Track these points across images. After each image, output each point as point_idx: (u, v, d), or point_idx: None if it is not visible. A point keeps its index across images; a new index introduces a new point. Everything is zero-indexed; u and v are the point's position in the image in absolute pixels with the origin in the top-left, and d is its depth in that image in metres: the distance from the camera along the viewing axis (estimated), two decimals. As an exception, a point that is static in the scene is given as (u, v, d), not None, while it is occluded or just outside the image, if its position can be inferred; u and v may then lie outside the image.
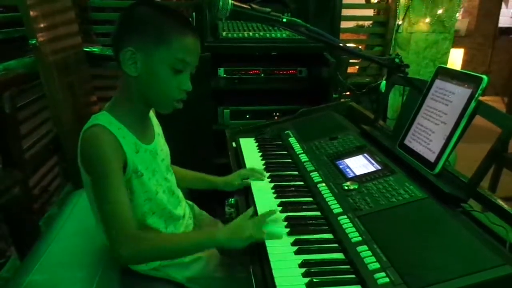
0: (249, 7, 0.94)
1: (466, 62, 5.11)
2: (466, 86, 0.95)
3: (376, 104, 2.39)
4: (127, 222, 0.85)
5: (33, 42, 1.51)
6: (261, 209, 0.98)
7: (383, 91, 1.37)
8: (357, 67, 2.71)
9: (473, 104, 0.92)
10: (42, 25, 1.57)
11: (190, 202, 1.23)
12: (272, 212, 0.92)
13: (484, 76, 0.91)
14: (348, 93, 2.40)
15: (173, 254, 0.95)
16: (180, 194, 1.12)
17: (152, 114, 1.04)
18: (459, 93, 0.97)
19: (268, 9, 0.95)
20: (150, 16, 0.87)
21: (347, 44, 1.29)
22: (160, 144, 1.03)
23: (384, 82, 2.26)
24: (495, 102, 3.57)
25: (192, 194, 1.32)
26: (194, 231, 1.09)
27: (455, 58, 4.68)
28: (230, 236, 0.88)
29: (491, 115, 0.88)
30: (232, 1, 0.92)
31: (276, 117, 1.90)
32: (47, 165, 1.94)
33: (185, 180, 1.20)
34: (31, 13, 1.50)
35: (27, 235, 1.55)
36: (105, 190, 0.85)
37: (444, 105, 1.00)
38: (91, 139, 0.86)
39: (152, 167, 0.97)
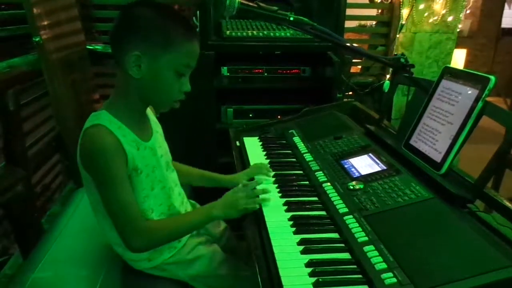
0: (256, 5, 0.94)
1: (468, 63, 5.10)
2: (473, 86, 0.95)
3: (379, 103, 2.39)
4: (135, 217, 0.89)
5: (37, 39, 1.51)
6: (266, 208, 0.97)
7: (386, 90, 1.36)
8: (360, 66, 2.71)
9: (480, 104, 0.91)
10: (45, 23, 1.57)
11: (192, 201, 1.23)
12: (255, 183, 1.04)
13: (491, 77, 0.91)
14: (350, 92, 2.40)
15: (178, 237, 1.02)
16: (183, 192, 1.12)
17: (150, 112, 1.04)
18: (466, 94, 0.96)
19: (275, 8, 0.95)
20: (155, 20, 0.86)
21: (348, 44, 1.28)
22: (159, 141, 1.03)
23: (387, 82, 2.26)
24: (498, 103, 3.55)
25: (194, 194, 1.31)
26: (192, 212, 1.12)
27: (458, 59, 4.66)
28: (225, 210, 0.97)
29: (498, 116, 0.88)
30: (239, -1, 0.92)
31: (279, 116, 1.90)
32: (49, 163, 1.94)
33: (189, 177, 1.20)
34: (35, 10, 1.50)
35: (29, 233, 1.55)
36: (111, 189, 0.86)
37: (450, 105, 1.00)
38: (93, 140, 0.86)
39: (152, 163, 0.97)
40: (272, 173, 1.15)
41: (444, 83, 1.05)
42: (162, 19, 0.87)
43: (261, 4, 0.95)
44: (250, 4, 0.94)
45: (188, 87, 0.93)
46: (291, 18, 0.97)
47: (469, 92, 0.95)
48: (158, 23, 0.86)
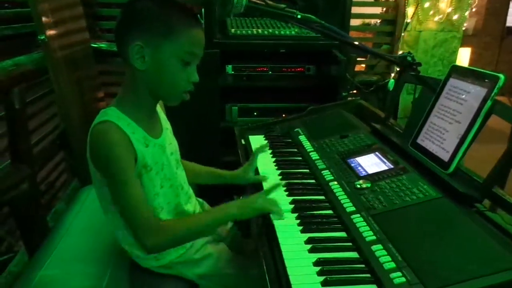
0: (263, 3, 0.93)
1: (473, 62, 5.07)
2: (481, 85, 0.94)
3: (383, 102, 2.38)
4: (147, 215, 0.87)
5: (42, 37, 1.51)
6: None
7: (390, 89, 1.36)
8: (364, 65, 2.70)
9: (489, 103, 0.91)
10: (50, 21, 1.56)
11: (200, 200, 1.22)
12: (277, 185, 1.00)
13: (500, 75, 0.90)
14: (355, 91, 2.39)
15: (194, 237, 0.99)
16: (190, 190, 1.11)
17: (160, 109, 1.03)
18: (474, 92, 0.95)
19: (282, 5, 0.94)
20: (155, 10, 0.86)
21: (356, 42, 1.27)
22: (169, 138, 1.02)
23: (392, 80, 2.25)
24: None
25: (202, 192, 1.31)
26: (207, 211, 1.11)
27: (463, 57, 4.64)
28: (242, 208, 0.94)
29: (508, 115, 0.87)
30: (247, -3, 0.91)
31: (284, 115, 1.89)
32: (53, 161, 1.94)
33: (195, 175, 1.19)
34: (40, 8, 1.50)
35: (35, 230, 1.55)
36: (121, 187, 0.85)
37: (458, 104, 0.99)
38: (101, 136, 0.85)
39: (161, 161, 0.96)
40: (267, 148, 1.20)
41: (452, 81, 1.04)
42: (163, 9, 0.87)
43: (269, 2, 0.94)
44: (258, 2, 0.93)
45: (196, 77, 0.91)
46: (299, 16, 0.96)
47: (478, 90, 0.94)
48: (159, 12, 0.86)
